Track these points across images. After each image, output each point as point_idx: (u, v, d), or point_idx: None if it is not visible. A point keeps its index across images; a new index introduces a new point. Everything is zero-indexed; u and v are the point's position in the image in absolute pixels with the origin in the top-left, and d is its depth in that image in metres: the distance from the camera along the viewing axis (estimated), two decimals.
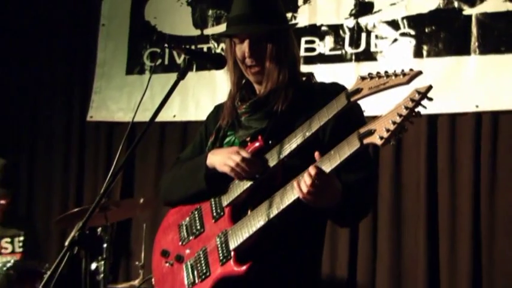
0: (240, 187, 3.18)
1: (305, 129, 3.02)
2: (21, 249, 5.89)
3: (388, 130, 2.70)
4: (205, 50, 6.12)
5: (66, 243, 3.07)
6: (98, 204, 3.13)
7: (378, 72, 2.88)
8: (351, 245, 5.71)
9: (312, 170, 2.85)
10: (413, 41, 5.71)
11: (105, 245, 5.33)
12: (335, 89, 3.14)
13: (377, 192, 5.59)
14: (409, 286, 5.58)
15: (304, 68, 5.64)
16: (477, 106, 5.46)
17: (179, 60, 6.21)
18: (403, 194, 5.68)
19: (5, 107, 6.96)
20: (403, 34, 5.74)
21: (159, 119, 5.85)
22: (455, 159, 5.53)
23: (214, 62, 3.40)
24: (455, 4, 5.58)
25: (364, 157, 3.03)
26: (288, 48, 3.33)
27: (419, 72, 2.79)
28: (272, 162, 3.10)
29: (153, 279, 3.51)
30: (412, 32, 5.71)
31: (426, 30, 5.68)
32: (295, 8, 6.02)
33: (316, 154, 2.91)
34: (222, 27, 3.51)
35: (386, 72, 2.86)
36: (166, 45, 3.24)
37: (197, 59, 3.39)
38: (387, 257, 5.62)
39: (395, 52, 5.75)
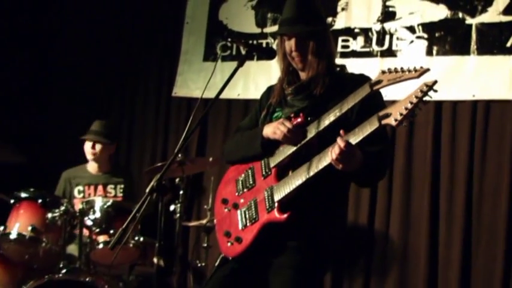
0: (284, 153, 3.26)
1: (337, 110, 3.09)
2: (121, 194, 5.96)
3: (401, 114, 2.79)
4: (264, 44, 6.18)
5: (147, 190, 3.23)
6: (173, 161, 3.38)
7: (396, 68, 2.98)
8: (371, 200, 5.76)
9: (340, 142, 2.92)
10: (426, 43, 5.71)
11: (181, 192, 5.50)
12: (362, 79, 3.24)
13: (393, 160, 5.69)
14: (415, 233, 5.61)
15: (340, 61, 5.76)
16: (474, 95, 5.49)
17: (243, 52, 6.28)
18: (413, 162, 5.70)
19: (114, 85, 7.14)
20: (418, 37, 5.74)
21: (226, 96, 6.14)
22: (455, 136, 5.56)
23: (266, 53, 3.53)
24: (460, 15, 5.59)
25: (382, 134, 3.09)
26: (326, 44, 3.36)
27: (428, 69, 2.88)
28: (310, 134, 3.16)
29: (215, 220, 3.58)
30: (425, 36, 5.71)
31: (436, 34, 5.68)
32: (334, 14, 6.06)
33: (342, 131, 2.98)
34: (277, 27, 3.65)
35: (402, 68, 2.95)
36: (229, 39, 3.28)
37: (253, 51, 3.59)
38: (399, 210, 5.67)
39: (412, 51, 5.76)
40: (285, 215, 3.14)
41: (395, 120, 2.81)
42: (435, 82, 2.82)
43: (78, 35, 7.24)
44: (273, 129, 3.26)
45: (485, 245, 5.36)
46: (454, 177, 5.52)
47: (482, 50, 5.49)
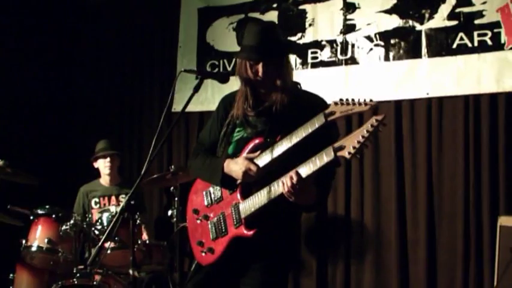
0: None
1: (293, 137, 3.05)
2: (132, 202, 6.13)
3: (354, 148, 2.75)
4: None
5: (118, 210, 3.33)
6: (140, 182, 3.28)
7: (347, 100, 2.88)
8: (346, 193, 5.82)
9: (293, 175, 2.92)
10: (383, 50, 5.74)
11: (176, 199, 5.57)
12: (317, 101, 3.21)
13: (363, 154, 5.71)
14: (385, 218, 5.67)
15: (310, 71, 5.89)
16: (428, 93, 5.53)
17: (229, 68, 6.34)
18: (380, 155, 5.75)
19: (121, 106, 7.23)
20: (376, 45, 5.77)
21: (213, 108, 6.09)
22: (414, 130, 5.61)
23: (219, 78, 3.43)
24: (410, 23, 5.63)
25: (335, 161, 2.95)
26: (287, 67, 3.32)
27: (376, 104, 2.81)
28: (267, 158, 3.14)
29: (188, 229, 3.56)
30: (382, 43, 5.75)
31: (391, 41, 5.71)
32: (303, 29, 6.10)
33: (294, 171, 2.95)
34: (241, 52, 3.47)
35: (353, 100, 2.86)
36: (183, 69, 3.23)
37: (207, 77, 3.47)
38: (370, 199, 5.73)
39: (371, 57, 5.79)
40: (251, 232, 3.16)
41: (349, 153, 2.77)
42: (384, 117, 2.77)
43: (93, 67, 7.39)
44: (239, 172, 3.19)
45: (447, 223, 5.43)
46: (415, 166, 5.57)
47: (432, 53, 5.53)
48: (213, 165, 3.34)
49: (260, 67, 3.22)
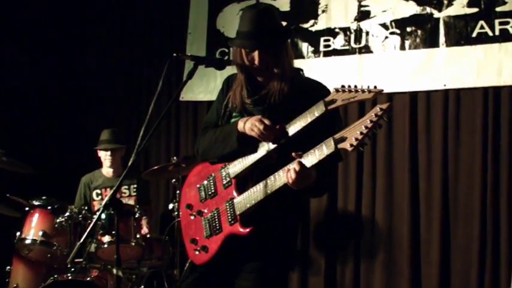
0: (244, 164, 3.08)
1: (290, 128, 2.93)
2: (135, 193, 5.94)
3: (356, 139, 2.58)
4: None
5: (102, 205, 3.18)
6: (124, 178, 3.29)
7: (349, 86, 2.73)
8: (357, 188, 5.67)
9: (297, 166, 2.79)
10: (398, 38, 5.58)
11: (177, 192, 5.39)
12: (319, 88, 3.06)
13: (375, 147, 5.63)
14: (398, 217, 5.52)
15: (323, 60, 5.72)
16: (445, 85, 5.36)
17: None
18: (393, 148, 5.60)
19: (128, 95, 7.10)
20: (391, 33, 5.61)
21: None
22: (430, 123, 5.45)
23: (214, 65, 3.27)
24: (428, 10, 5.47)
25: (336, 153, 2.82)
26: (285, 53, 3.13)
27: (381, 91, 2.65)
28: (263, 151, 3.01)
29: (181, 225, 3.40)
30: (398, 31, 5.58)
31: (408, 29, 5.55)
32: (316, 16, 5.93)
33: (294, 154, 2.83)
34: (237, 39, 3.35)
35: (355, 87, 2.71)
36: (174, 54, 3.03)
37: (201, 63, 3.23)
38: (383, 196, 5.58)
39: (386, 46, 5.63)
40: (247, 230, 3.02)
41: (351, 145, 2.61)
42: (389, 106, 2.57)
43: (97, 51, 7.25)
44: (250, 126, 3.02)
45: (463, 225, 5.26)
46: (431, 162, 5.43)
47: (450, 42, 5.38)
48: (226, 130, 3.18)
49: (256, 55, 3.07)
